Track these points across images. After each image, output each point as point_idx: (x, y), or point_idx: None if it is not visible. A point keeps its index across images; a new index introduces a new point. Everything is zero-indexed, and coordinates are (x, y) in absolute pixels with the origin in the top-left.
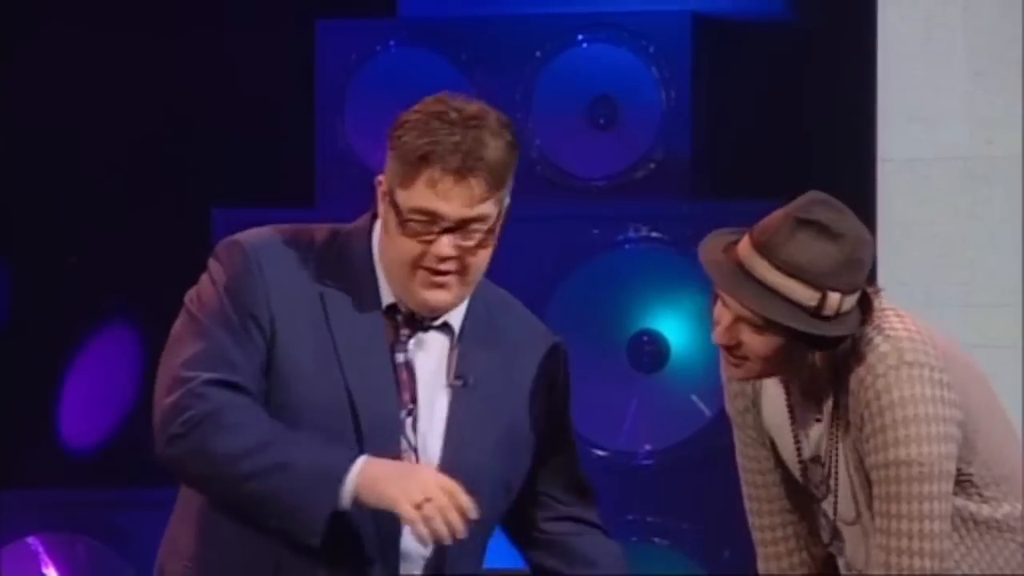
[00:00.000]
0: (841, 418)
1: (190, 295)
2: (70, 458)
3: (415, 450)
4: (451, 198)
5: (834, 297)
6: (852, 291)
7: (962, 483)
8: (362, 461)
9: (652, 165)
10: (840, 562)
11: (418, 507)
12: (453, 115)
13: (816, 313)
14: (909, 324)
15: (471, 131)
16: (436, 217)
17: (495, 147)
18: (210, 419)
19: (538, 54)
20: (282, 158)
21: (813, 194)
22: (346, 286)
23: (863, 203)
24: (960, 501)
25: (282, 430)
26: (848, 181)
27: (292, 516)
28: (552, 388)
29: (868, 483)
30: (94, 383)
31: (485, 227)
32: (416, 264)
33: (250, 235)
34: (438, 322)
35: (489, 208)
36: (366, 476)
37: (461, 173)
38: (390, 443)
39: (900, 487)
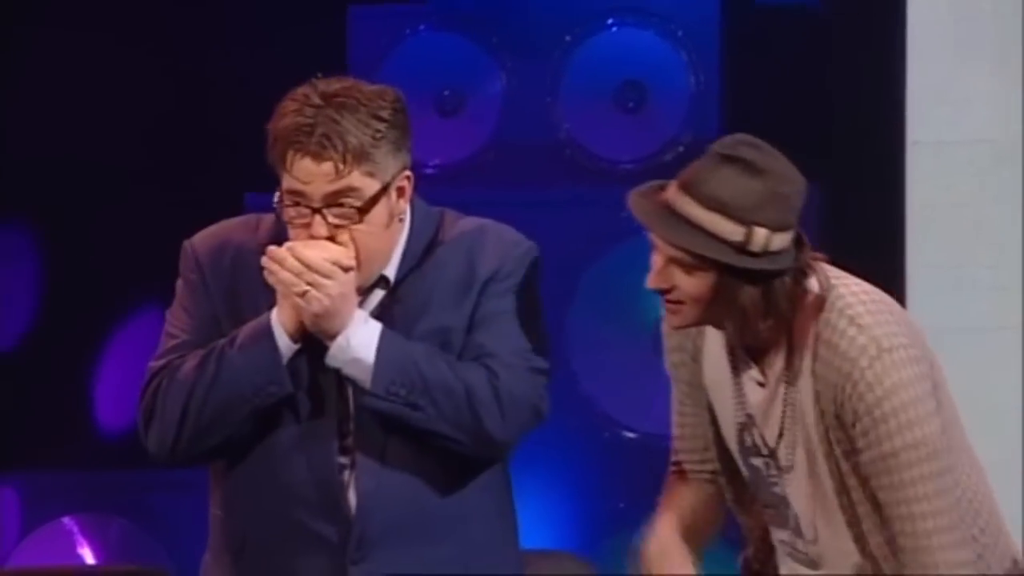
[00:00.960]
0: (795, 399)
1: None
2: (104, 440)
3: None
4: (310, 179)
5: (760, 232)
6: (780, 228)
7: None
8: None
9: (680, 148)
10: (775, 532)
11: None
12: (314, 98)
13: (743, 248)
14: (871, 306)
15: (327, 111)
16: (303, 197)
17: (354, 124)
18: (159, 391)
19: (567, 38)
20: None
21: (741, 135)
22: None
23: (892, 186)
24: None
25: (212, 344)
26: (877, 164)
27: (252, 383)
28: (473, 277)
29: (838, 470)
30: (128, 366)
31: (359, 201)
32: None
33: (198, 237)
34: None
35: (358, 180)
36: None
37: (315, 154)
38: (329, 396)
39: (912, 471)
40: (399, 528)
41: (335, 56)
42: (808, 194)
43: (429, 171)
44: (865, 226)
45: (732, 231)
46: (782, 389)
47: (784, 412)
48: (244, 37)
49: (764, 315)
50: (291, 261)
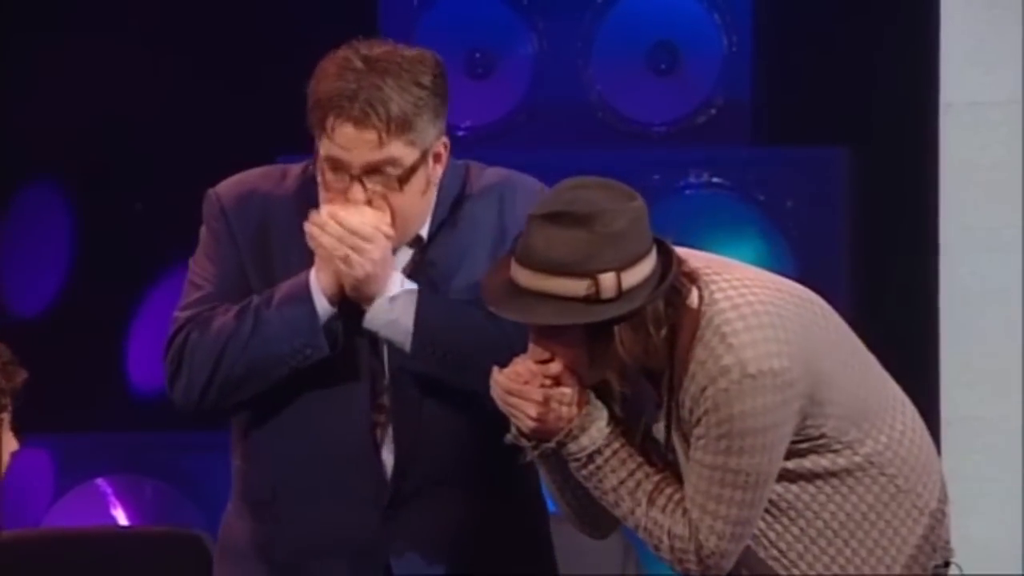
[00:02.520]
0: (673, 412)
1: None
2: (137, 402)
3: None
4: (352, 146)
5: (606, 277)
6: (627, 264)
7: (815, 442)
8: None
9: (713, 111)
10: None
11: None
12: (356, 62)
13: (596, 299)
14: (752, 320)
15: (370, 77)
16: (342, 165)
17: (396, 91)
18: (188, 342)
19: (599, 0)
20: None
21: (560, 185)
22: (310, 212)
23: (926, 147)
24: (813, 459)
25: (247, 301)
26: (910, 126)
27: (290, 344)
28: (504, 231)
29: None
30: (161, 327)
31: (399, 170)
32: None
33: (223, 183)
34: None
35: (399, 150)
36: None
37: (358, 120)
38: (363, 354)
39: (723, 490)
40: (435, 484)
41: (367, 18)
42: (840, 158)
43: (460, 133)
44: (899, 189)
45: (577, 287)
46: (672, 410)
47: (668, 429)
48: (275, 1)
49: (644, 349)
50: (333, 226)
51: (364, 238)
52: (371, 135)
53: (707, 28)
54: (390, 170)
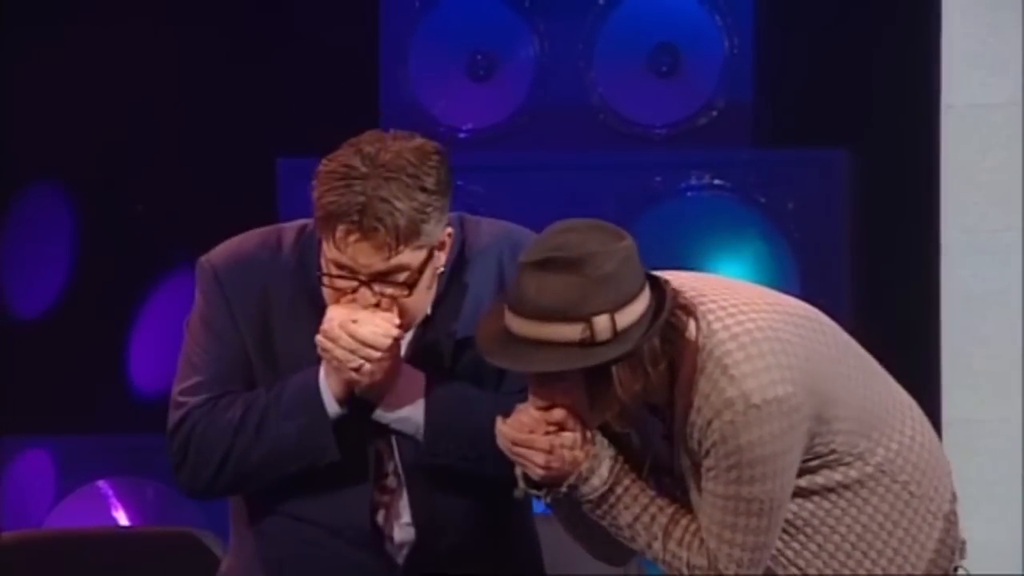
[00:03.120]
0: (680, 443)
1: (189, 319)
2: (139, 403)
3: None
4: (361, 254)
5: (601, 320)
6: (620, 305)
7: (826, 458)
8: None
9: (714, 112)
10: None
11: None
12: (363, 167)
13: (591, 342)
14: (752, 349)
15: (378, 185)
16: (351, 271)
17: (405, 200)
18: (194, 434)
19: (601, 2)
20: (346, 107)
21: (547, 232)
22: (310, 284)
23: (927, 149)
24: (825, 474)
25: (254, 396)
26: (911, 127)
27: (300, 447)
28: (502, 286)
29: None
30: (162, 329)
31: (406, 274)
32: None
33: (217, 253)
34: None
35: (407, 257)
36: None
37: (367, 234)
38: (370, 435)
39: (738, 519)
40: (451, 559)
41: (368, 20)
42: (841, 159)
43: (462, 136)
44: (900, 191)
45: (572, 332)
46: (679, 441)
47: (676, 460)
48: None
49: (643, 387)
50: (346, 339)
51: (375, 347)
52: (380, 247)
53: (709, 30)
54: (399, 275)
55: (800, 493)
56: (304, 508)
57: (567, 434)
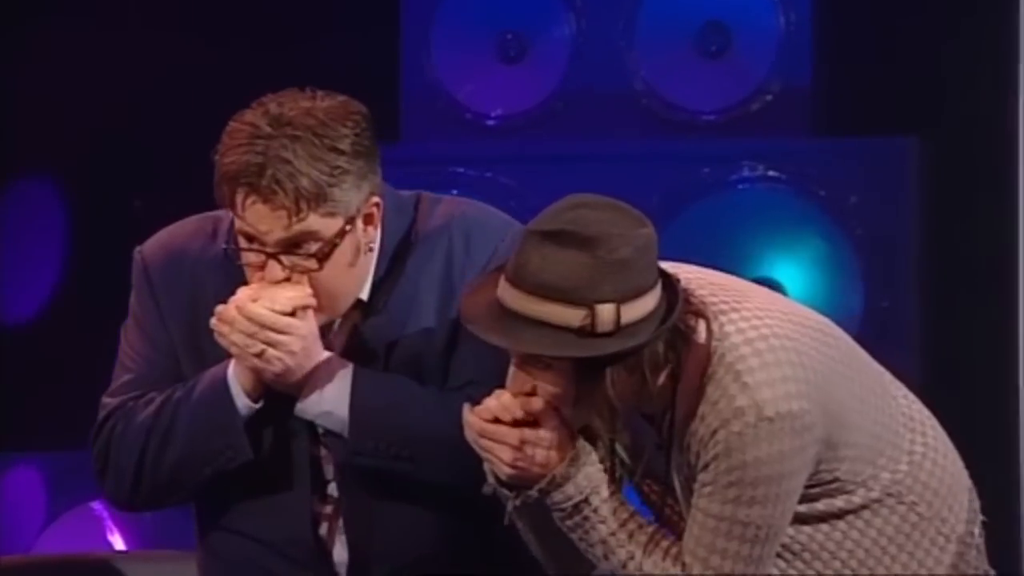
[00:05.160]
0: (675, 454)
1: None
2: None
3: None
4: (264, 220)
5: (605, 309)
6: (630, 297)
7: (827, 486)
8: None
9: (768, 97)
10: None
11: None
12: (264, 127)
13: (591, 332)
14: (768, 356)
15: (278, 147)
16: (256, 240)
17: (309, 161)
18: (112, 438)
19: None
20: (365, 91)
21: (565, 200)
22: (240, 275)
23: (1000, 139)
24: (826, 502)
25: (168, 394)
26: (987, 113)
27: (211, 448)
28: (451, 284)
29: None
30: None
31: (318, 244)
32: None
33: (150, 243)
34: None
35: (315, 224)
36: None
37: (266, 194)
38: (303, 437)
39: (729, 544)
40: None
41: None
42: (910, 148)
43: (490, 123)
44: (975, 182)
45: (572, 316)
46: (674, 452)
47: (679, 473)
48: None
49: (637, 393)
50: (242, 321)
51: (279, 330)
52: (281, 212)
53: (762, 6)
54: (309, 245)
55: (798, 518)
56: (246, 522)
57: (542, 432)
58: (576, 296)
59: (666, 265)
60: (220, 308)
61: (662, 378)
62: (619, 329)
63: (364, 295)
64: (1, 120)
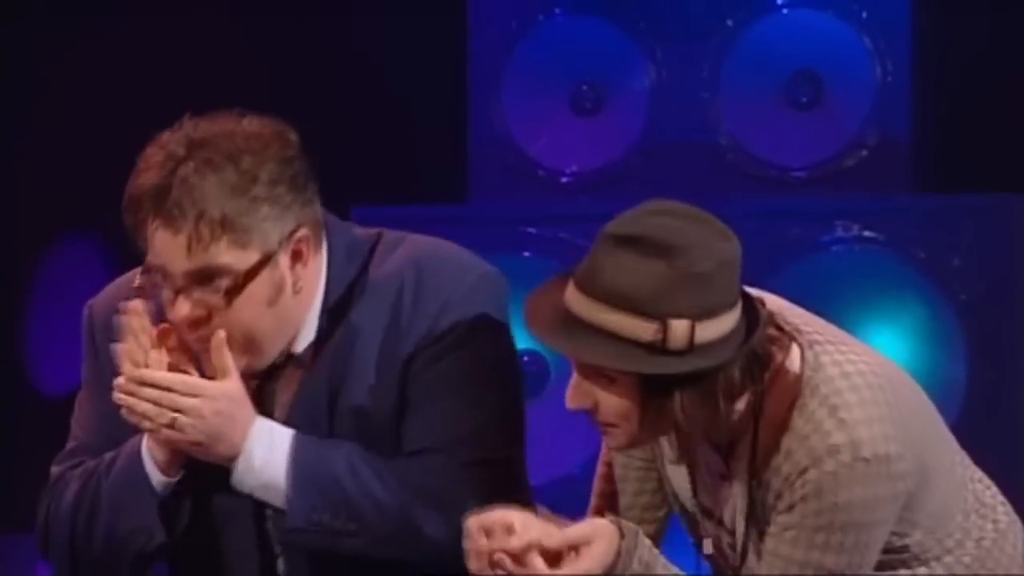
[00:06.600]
0: (751, 493)
1: None
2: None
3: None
4: (167, 247)
5: (678, 325)
6: (706, 315)
7: (896, 555)
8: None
9: (864, 152)
10: None
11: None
12: (181, 150)
13: (662, 348)
14: (866, 393)
15: (187, 168)
16: (163, 273)
17: (217, 186)
18: (48, 514)
19: (729, 23)
20: (431, 146)
21: (646, 205)
22: None
23: None
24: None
25: (91, 468)
26: None
27: (130, 531)
28: (398, 334)
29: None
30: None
31: (228, 281)
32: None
33: (98, 298)
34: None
35: (225, 255)
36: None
37: (167, 218)
38: (245, 512)
39: None
40: None
41: (457, 45)
42: (1017, 206)
43: (564, 180)
44: None
45: (643, 330)
46: (747, 486)
47: (749, 510)
48: (351, 27)
49: (709, 420)
50: (144, 389)
51: (187, 393)
52: (182, 238)
53: (857, 55)
54: (220, 280)
55: None
56: None
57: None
58: (648, 308)
59: (751, 290)
60: (119, 380)
61: (741, 405)
62: (692, 348)
63: (299, 348)
64: (45, 179)
